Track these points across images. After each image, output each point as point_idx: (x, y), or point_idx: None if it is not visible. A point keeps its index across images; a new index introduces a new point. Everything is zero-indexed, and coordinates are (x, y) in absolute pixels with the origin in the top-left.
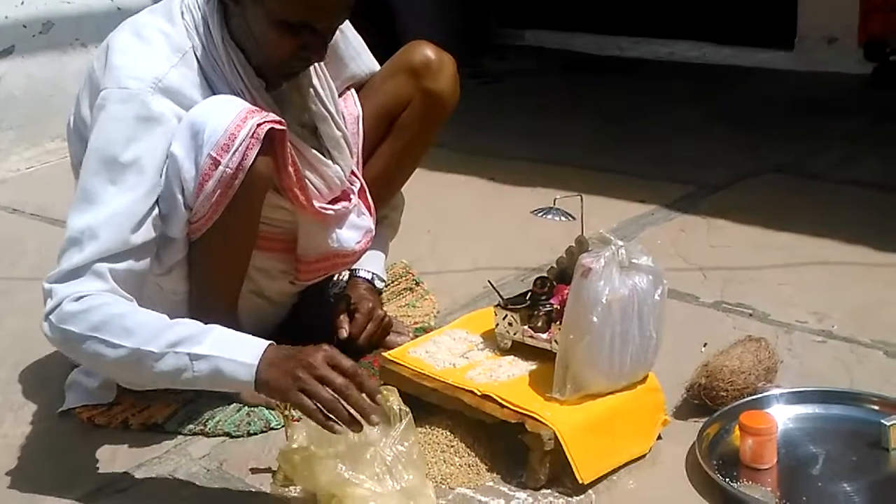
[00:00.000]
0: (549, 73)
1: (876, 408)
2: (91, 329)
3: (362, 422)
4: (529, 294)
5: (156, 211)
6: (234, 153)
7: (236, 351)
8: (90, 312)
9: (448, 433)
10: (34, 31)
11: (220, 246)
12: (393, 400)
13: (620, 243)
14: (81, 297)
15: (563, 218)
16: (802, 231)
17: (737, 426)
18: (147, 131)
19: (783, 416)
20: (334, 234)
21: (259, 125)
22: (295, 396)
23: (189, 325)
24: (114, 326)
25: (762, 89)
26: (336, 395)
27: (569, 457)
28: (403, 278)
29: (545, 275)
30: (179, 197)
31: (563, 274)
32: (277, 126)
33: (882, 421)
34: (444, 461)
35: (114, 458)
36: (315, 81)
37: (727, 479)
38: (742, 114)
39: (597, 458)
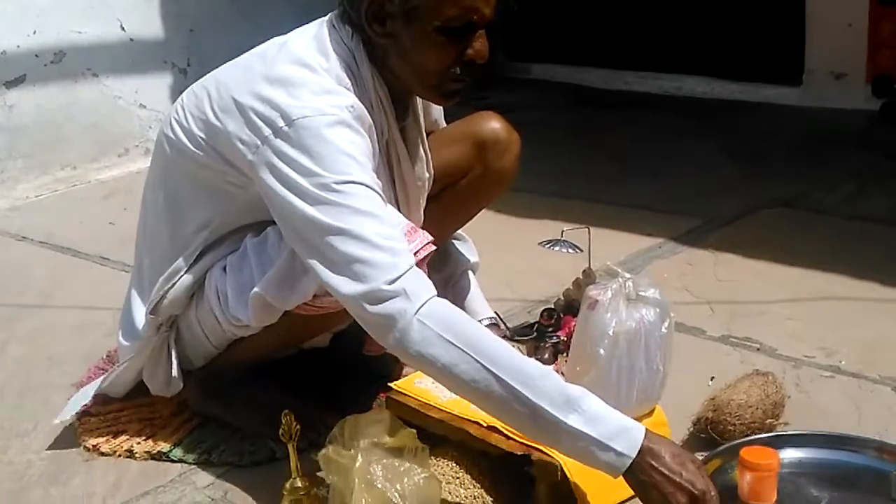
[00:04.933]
0: (557, 107)
1: (884, 456)
2: (459, 340)
3: None
4: (536, 326)
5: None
6: None
7: (610, 433)
8: (453, 319)
9: (454, 464)
10: (46, 60)
11: (301, 329)
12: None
13: (628, 276)
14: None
15: (570, 250)
16: (810, 266)
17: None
18: (357, 134)
19: (787, 459)
20: None
21: (416, 252)
22: None
23: (557, 383)
24: (478, 344)
25: (770, 125)
26: None
27: (574, 489)
28: None
29: (552, 307)
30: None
31: (569, 306)
32: (430, 248)
33: (892, 471)
34: (450, 493)
35: (118, 486)
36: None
37: None
38: (750, 149)
39: (602, 491)
